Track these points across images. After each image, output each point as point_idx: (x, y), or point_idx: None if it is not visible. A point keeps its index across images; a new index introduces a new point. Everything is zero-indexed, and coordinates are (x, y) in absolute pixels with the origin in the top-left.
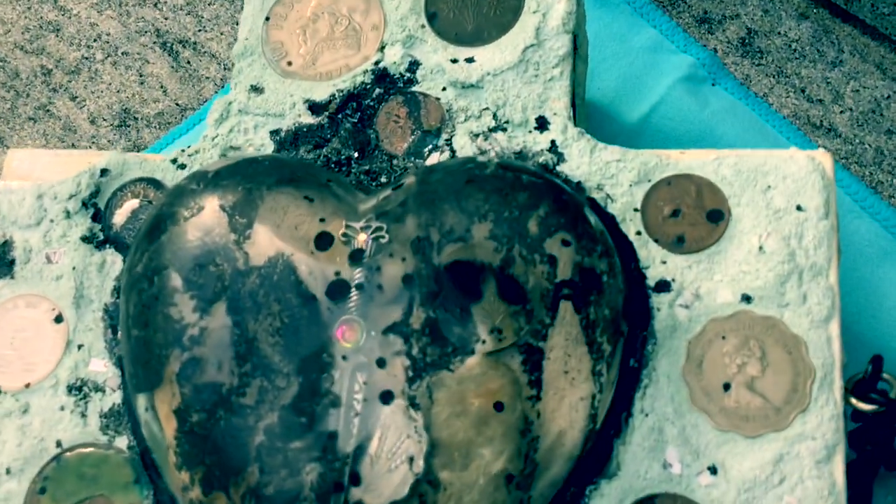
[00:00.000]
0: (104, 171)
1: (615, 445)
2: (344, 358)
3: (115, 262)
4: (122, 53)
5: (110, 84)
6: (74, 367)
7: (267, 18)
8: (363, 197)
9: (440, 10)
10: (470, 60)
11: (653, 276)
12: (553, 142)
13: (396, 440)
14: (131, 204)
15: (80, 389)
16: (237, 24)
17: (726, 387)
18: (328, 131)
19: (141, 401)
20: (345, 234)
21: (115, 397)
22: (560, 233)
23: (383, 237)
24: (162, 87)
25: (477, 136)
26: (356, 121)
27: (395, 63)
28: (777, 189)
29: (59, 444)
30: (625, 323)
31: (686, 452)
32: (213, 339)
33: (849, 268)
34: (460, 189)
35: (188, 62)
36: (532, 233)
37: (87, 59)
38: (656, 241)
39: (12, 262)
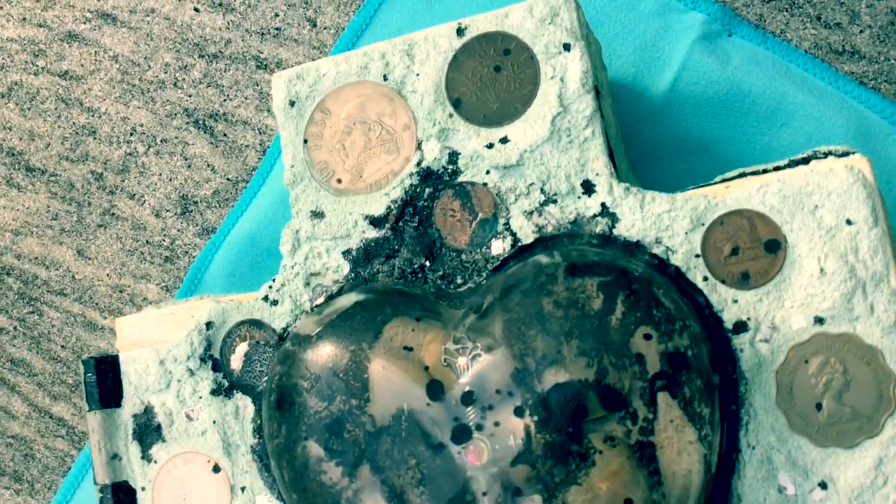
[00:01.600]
0: (209, 324)
1: (733, 483)
2: (484, 494)
3: (245, 405)
4: (162, 141)
5: (160, 174)
6: None
7: (305, 141)
8: (450, 312)
9: (462, 94)
10: (504, 141)
11: (728, 318)
12: (603, 204)
13: None
14: (242, 348)
15: None
16: (257, 84)
17: (818, 406)
18: (395, 242)
19: None
20: (445, 361)
21: None
22: (640, 328)
23: (479, 355)
24: (209, 165)
25: (531, 213)
26: (416, 224)
27: (435, 159)
28: (825, 207)
29: None
30: (716, 375)
31: (796, 474)
32: (368, 498)
33: (894, 195)
34: (540, 312)
35: (224, 135)
36: (615, 338)
37: (130, 154)
38: (723, 282)
39: (158, 426)
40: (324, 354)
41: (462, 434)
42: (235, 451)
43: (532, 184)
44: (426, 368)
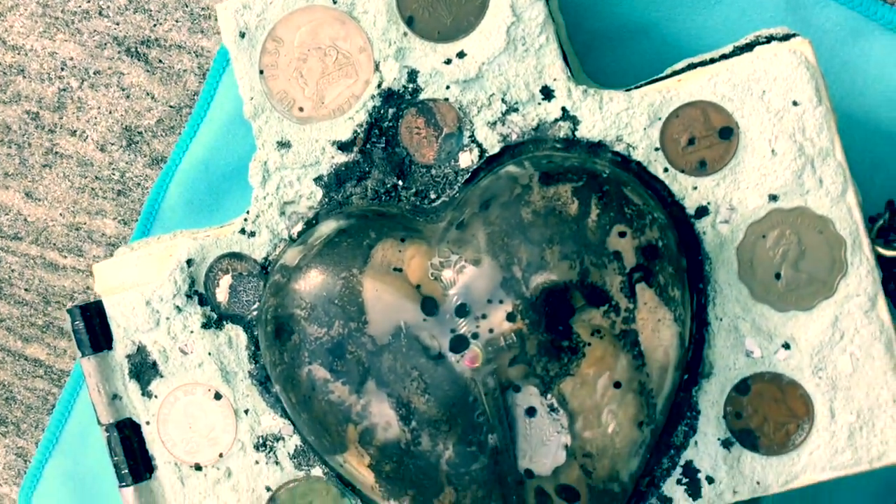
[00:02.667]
0: (189, 262)
1: (704, 353)
2: (486, 394)
3: (238, 334)
4: (95, 73)
5: (99, 108)
6: (251, 429)
7: (261, 72)
8: (430, 227)
9: (415, 12)
10: (461, 55)
11: (690, 205)
12: (563, 108)
13: (549, 438)
14: (226, 280)
15: (264, 444)
16: (187, 6)
17: (777, 276)
18: (364, 164)
19: (335, 460)
20: (433, 275)
21: (295, 440)
22: (615, 227)
23: (466, 267)
24: (148, 94)
25: (494, 123)
26: (384, 145)
27: (395, 79)
28: (772, 92)
29: (268, 489)
30: (683, 259)
31: (761, 339)
32: (376, 410)
33: (827, 55)
34: (521, 222)
35: (160, 61)
36: (593, 240)
37: (64, 90)
38: (682, 171)
39: (154, 363)
40: (316, 283)
41: (459, 344)
42: (234, 377)
43: (493, 95)
44: (417, 287)
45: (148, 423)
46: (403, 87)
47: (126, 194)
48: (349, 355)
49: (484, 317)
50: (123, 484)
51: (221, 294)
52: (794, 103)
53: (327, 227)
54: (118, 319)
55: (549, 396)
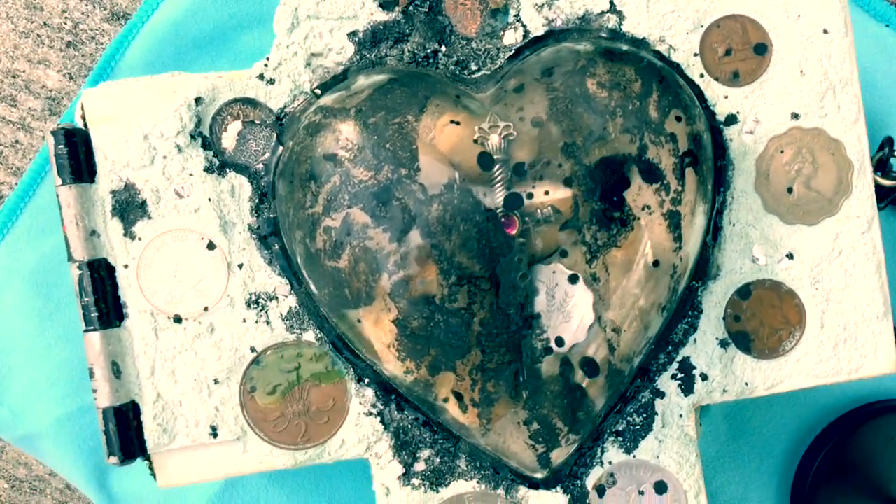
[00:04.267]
0: (198, 100)
1: (714, 254)
2: (533, 256)
3: (241, 184)
4: None
5: None
6: (243, 285)
7: None
8: (474, 93)
9: None
10: None
11: (720, 111)
12: (611, 2)
13: (584, 308)
14: (235, 126)
15: (256, 303)
16: None
17: (790, 190)
18: (405, 26)
19: (348, 317)
20: (477, 139)
21: (290, 301)
22: (672, 111)
23: (512, 135)
24: None
25: (541, 6)
26: (427, 10)
27: None
28: (806, 17)
29: (253, 349)
30: (713, 161)
31: (768, 247)
32: (416, 261)
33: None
34: (586, 92)
35: None
36: (653, 118)
37: None
38: (716, 79)
39: (143, 203)
40: (367, 126)
41: (513, 202)
42: (231, 229)
43: None
44: (475, 141)
45: (126, 266)
46: None
47: (77, 47)
48: (395, 202)
49: (541, 178)
50: (90, 328)
51: (228, 140)
52: (825, 31)
53: (374, 77)
54: (107, 151)
55: (593, 265)
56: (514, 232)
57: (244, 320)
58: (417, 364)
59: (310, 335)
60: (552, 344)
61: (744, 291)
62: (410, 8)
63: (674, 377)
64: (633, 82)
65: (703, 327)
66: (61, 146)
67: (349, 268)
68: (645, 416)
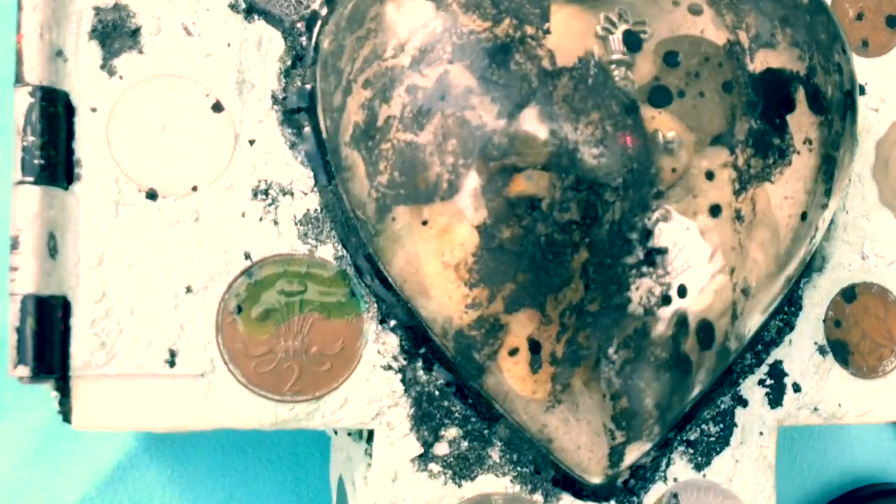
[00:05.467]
0: None
1: (821, 242)
2: (673, 170)
3: (272, 38)
4: None
5: None
6: (252, 167)
7: None
8: None
9: None
10: None
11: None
12: None
13: (723, 252)
14: None
15: (265, 193)
16: None
17: None
18: None
19: (399, 214)
20: (604, 28)
21: (310, 202)
22: (837, 42)
23: (644, 32)
24: None
25: None
26: None
27: None
28: None
29: (247, 256)
30: None
31: (879, 245)
32: (526, 148)
33: None
34: None
35: None
36: (823, 41)
37: None
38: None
39: (136, 31)
40: None
41: (661, 97)
42: (248, 92)
43: None
44: (622, 12)
45: (95, 109)
46: None
47: None
48: (514, 66)
49: (697, 75)
50: (27, 179)
51: None
52: None
53: None
54: None
55: (740, 198)
56: (632, 145)
57: (243, 214)
58: (492, 293)
59: (327, 250)
60: (672, 291)
61: (849, 293)
62: None
63: (761, 383)
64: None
65: (801, 328)
66: None
67: (433, 144)
68: (722, 426)
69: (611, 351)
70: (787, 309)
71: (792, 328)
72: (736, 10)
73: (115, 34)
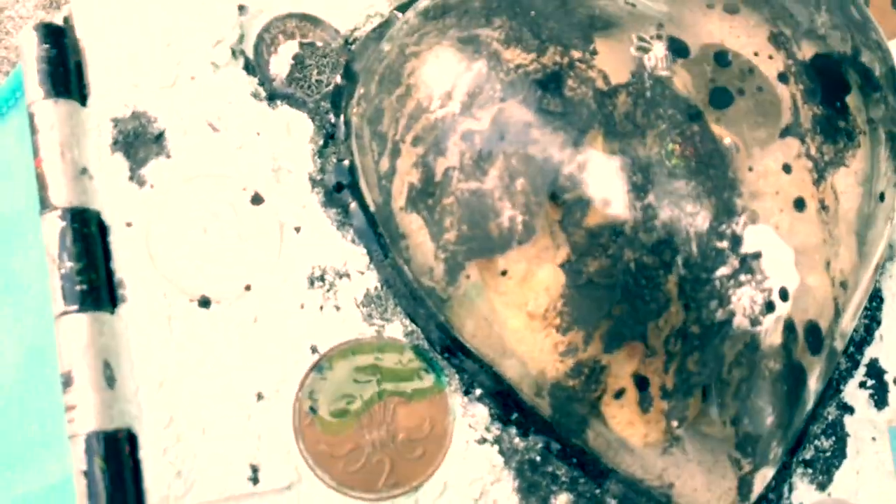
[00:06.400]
0: (242, 9)
1: None
2: (750, 169)
3: (299, 121)
4: None
5: None
6: (302, 256)
7: None
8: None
9: None
10: None
11: None
12: None
13: (815, 246)
14: (290, 48)
15: (321, 280)
16: None
17: None
18: None
19: (472, 270)
20: (640, 48)
21: (369, 280)
22: (869, 22)
23: (716, 14)
24: None
25: None
26: None
27: None
28: None
29: (314, 349)
30: None
31: None
32: (599, 173)
33: None
34: None
35: None
36: (858, 21)
37: None
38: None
39: (160, 136)
40: (514, 5)
41: (722, 98)
42: (286, 177)
43: None
44: (660, 25)
45: (130, 224)
46: None
47: None
48: (569, 92)
49: (751, 72)
50: (71, 308)
51: (279, 65)
52: None
53: None
54: (108, 63)
55: (820, 187)
56: (689, 154)
57: (302, 306)
58: (588, 334)
59: (396, 328)
60: (774, 296)
61: None
62: None
63: (863, 385)
64: None
65: (888, 321)
66: (44, 46)
67: (500, 187)
68: (834, 438)
69: (724, 372)
70: (870, 304)
71: (879, 322)
72: (771, 4)
73: (138, 143)
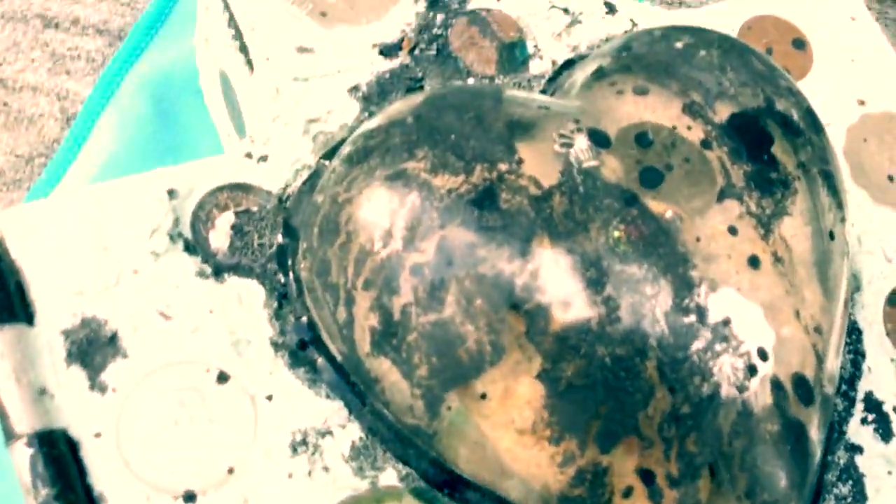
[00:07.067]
0: (172, 193)
1: None
2: (698, 239)
3: (249, 289)
4: None
5: None
6: (280, 424)
7: None
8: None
9: None
10: None
11: None
12: (632, 20)
13: (780, 299)
14: (226, 220)
15: (304, 444)
16: (47, 45)
17: (890, 178)
18: (415, 69)
19: (452, 400)
20: (563, 144)
21: (352, 432)
22: (774, 70)
23: (627, 98)
24: None
25: (560, 34)
26: (434, 52)
27: None
28: (830, 5)
29: None
30: None
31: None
32: (553, 276)
33: None
34: (680, 52)
35: (4, 104)
36: (763, 72)
37: None
38: None
39: (113, 337)
40: (438, 126)
41: (653, 177)
42: (247, 348)
43: (553, 7)
44: (576, 120)
45: (99, 434)
46: None
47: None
48: (504, 204)
49: (674, 145)
50: None
51: (219, 238)
52: (852, 18)
53: (414, 96)
54: (47, 277)
55: (770, 241)
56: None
57: (290, 475)
58: (581, 440)
59: (389, 475)
60: (755, 358)
61: (894, 299)
62: (416, 51)
63: (864, 422)
64: (721, 41)
65: (871, 350)
66: None
67: (460, 313)
68: (851, 482)
69: (724, 445)
70: (850, 338)
71: (863, 355)
72: (675, 75)
73: (93, 349)
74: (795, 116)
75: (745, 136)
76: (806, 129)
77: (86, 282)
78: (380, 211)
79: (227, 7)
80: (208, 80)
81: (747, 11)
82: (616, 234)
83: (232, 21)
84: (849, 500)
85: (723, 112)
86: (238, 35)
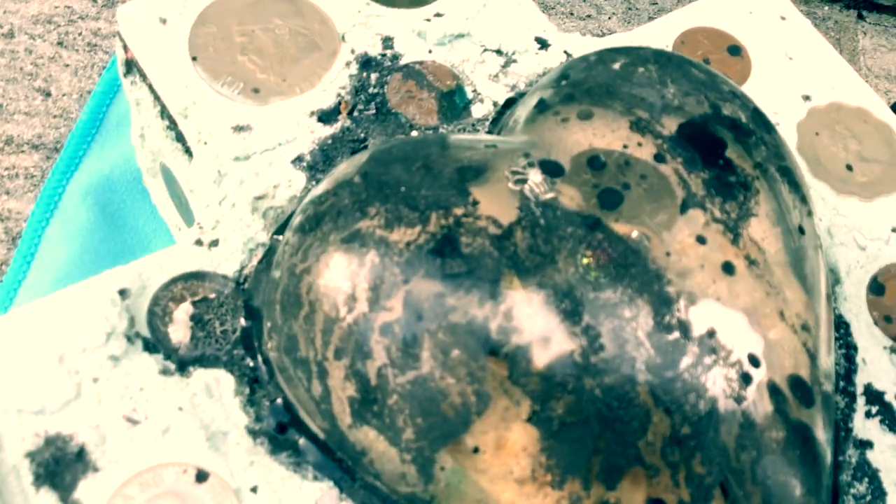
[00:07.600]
0: (123, 293)
1: None
2: (668, 254)
3: (218, 379)
4: None
5: None
6: None
7: (194, 58)
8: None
9: None
10: (439, 15)
11: None
12: (566, 52)
13: (762, 302)
14: (184, 311)
15: None
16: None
17: (849, 167)
18: (358, 131)
19: (444, 459)
20: (517, 181)
21: None
22: (714, 76)
23: (575, 125)
24: None
25: (496, 76)
26: (374, 111)
27: (369, 45)
28: (757, 9)
29: None
30: None
31: (865, 230)
32: (527, 314)
33: None
34: (618, 73)
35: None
36: (703, 79)
37: None
38: None
39: (81, 452)
40: (385, 181)
41: (612, 199)
42: (223, 441)
43: (486, 50)
44: (527, 154)
45: None
46: (381, 54)
47: None
48: (466, 248)
49: (627, 164)
50: None
51: (178, 332)
52: (782, 17)
53: (360, 156)
54: (3, 401)
55: (740, 244)
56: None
57: None
58: (584, 479)
59: None
60: (747, 366)
61: (875, 287)
62: (355, 113)
63: (869, 415)
64: (657, 56)
65: (863, 342)
66: None
67: (438, 367)
68: (867, 479)
69: (732, 461)
70: (839, 332)
71: (855, 347)
72: (618, 95)
73: (61, 468)
74: (744, 118)
75: (697, 145)
76: (756, 129)
77: (45, 398)
78: (340, 276)
79: (157, 99)
80: (151, 178)
81: (678, 27)
82: (584, 260)
83: (164, 111)
84: (868, 498)
85: (670, 124)
86: (172, 124)
